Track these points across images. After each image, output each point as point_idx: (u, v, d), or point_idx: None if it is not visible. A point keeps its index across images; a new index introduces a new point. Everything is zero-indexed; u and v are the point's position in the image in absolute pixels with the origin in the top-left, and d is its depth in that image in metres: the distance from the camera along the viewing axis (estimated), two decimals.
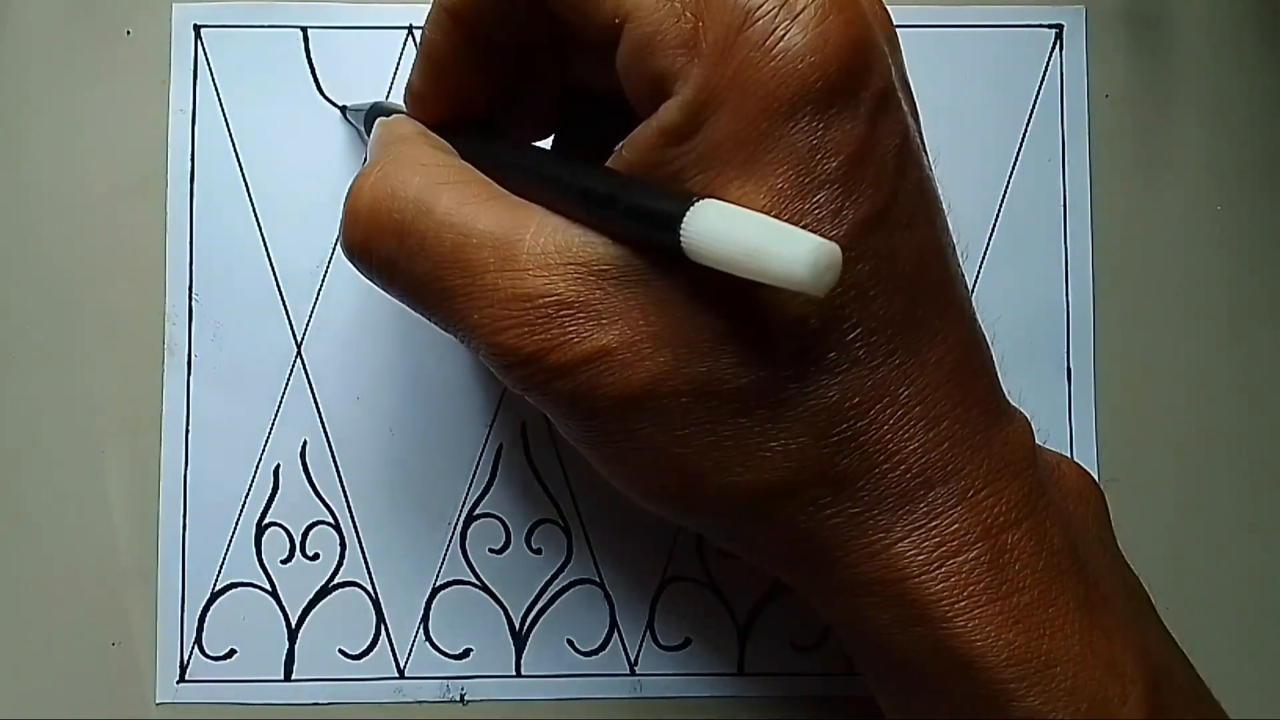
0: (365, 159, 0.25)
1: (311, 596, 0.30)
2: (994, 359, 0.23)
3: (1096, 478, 0.30)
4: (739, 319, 0.20)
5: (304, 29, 0.31)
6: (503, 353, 0.21)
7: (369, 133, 0.27)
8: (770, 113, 0.19)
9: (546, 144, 0.27)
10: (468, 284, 0.21)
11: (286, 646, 0.30)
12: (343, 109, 0.31)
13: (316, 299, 0.30)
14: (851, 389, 0.20)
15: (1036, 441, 0.23)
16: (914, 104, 0.22)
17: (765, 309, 0.20)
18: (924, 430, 0.21)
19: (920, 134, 0.22)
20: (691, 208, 0.18)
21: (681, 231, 0.18)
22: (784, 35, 0.19)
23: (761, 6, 0.19)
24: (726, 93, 0.19)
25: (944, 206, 0.22)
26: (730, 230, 0.18)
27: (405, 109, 0.25)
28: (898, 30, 0.22)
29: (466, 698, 0.30)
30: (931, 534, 0.21)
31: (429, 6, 0.23)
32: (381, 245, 0.22)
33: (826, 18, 0.19)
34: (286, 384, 0.30)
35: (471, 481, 0.30)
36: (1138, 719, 0.20)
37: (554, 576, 0.30)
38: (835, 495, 0.21)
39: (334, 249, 0.30)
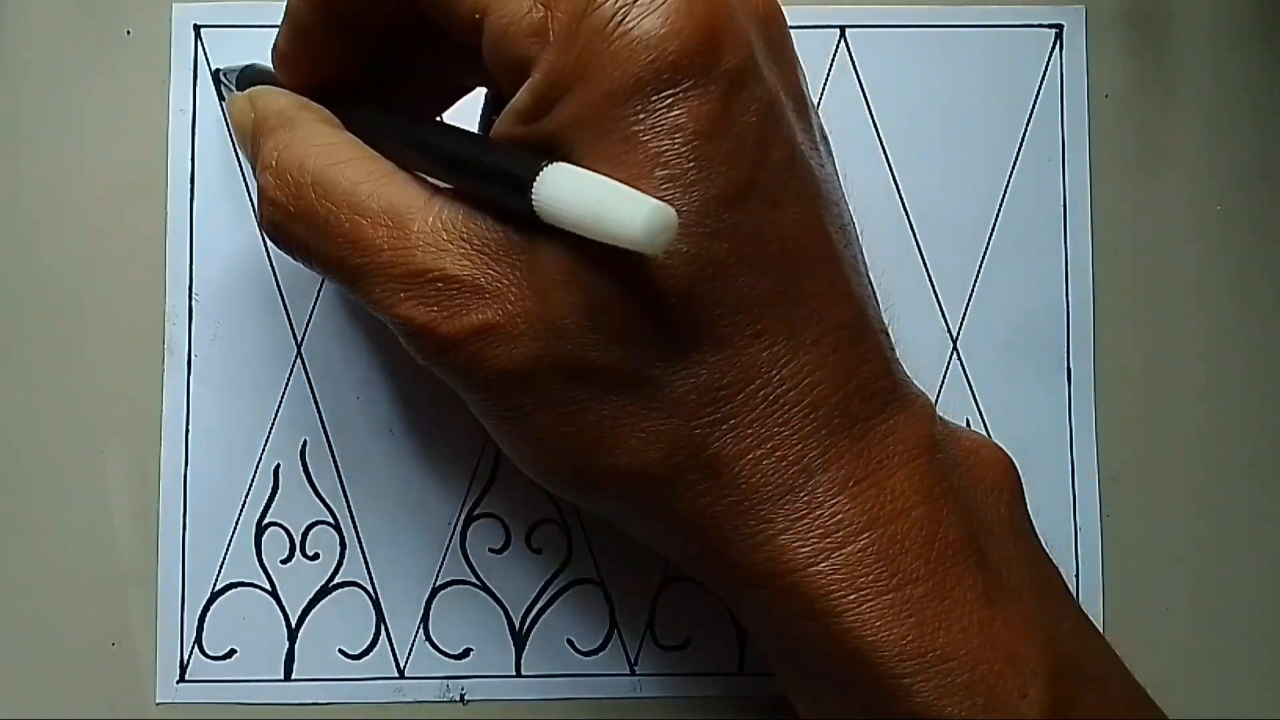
0: (241, 148, 0.25)
1: (311, 596, 0.30)
2: (891, 342, 0.22)
3: (1095, 477, 0.30)
4: (604, 297, 0.20)
5: None
6: (400, 324, 0.22)
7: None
8: (614, 95, 0.19)
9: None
10: (366, 263, 0.22)
11: (286, 646, 0.30)
12: (216, 73, 0.30)
13: (316, 299, 0.30)
14: (719, 370, 0.20)
15: (954, 424, 0.23)
16: (795, 82, 0.22)
17: (628, 287, 0.20)
18: (800, 416, 0.20)
19: (807, 111, 0.22)
20: (543, 170, 0.19)
21: (533, 194, 0.19)
22: (625, 18, 0.19)
23: None
24: (572, 77, 0.20)
25: (836, 184, 0.22)
26: (577, 191, 0.19)
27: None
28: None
29: (466, 698, 0.30)
30: (815, 525, 0.20)
31: None
32: (292, 229, 0.23)
33: (668, 4, 0.19)
34: (286, 384, 0.30)
35: (471, 481, 0.30)
36: (1037, 716, 0.20)
37: (554, 576, 0.30)
38: (712, 481, 0.21)
39: None
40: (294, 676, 0.29)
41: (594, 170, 0.19)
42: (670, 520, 0.22)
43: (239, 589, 0.30)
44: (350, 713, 0.29)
